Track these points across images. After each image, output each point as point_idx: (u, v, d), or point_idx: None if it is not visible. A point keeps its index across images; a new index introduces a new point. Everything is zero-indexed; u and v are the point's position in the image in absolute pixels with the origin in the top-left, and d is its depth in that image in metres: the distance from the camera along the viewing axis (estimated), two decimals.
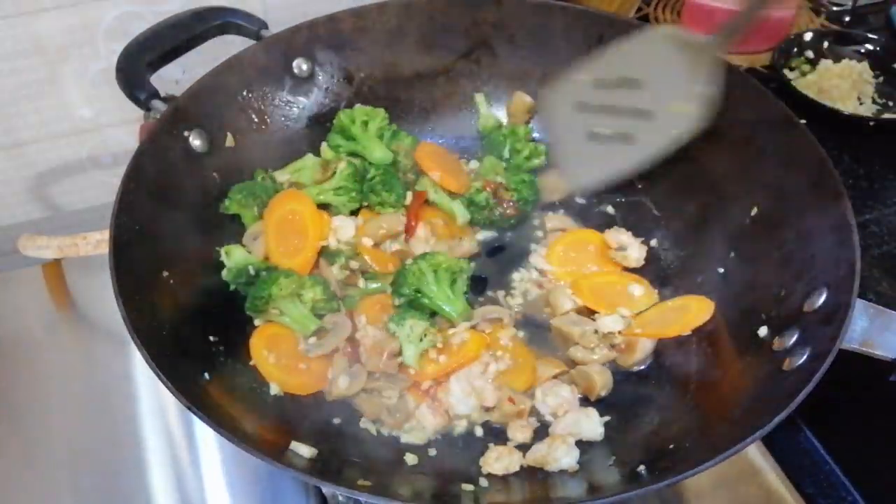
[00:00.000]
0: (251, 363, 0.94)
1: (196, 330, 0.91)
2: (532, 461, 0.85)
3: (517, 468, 0.85)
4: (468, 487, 0.82)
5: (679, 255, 1.07)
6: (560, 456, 0.84)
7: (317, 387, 0.93)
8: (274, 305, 0.95)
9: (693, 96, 0.95)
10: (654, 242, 1.09)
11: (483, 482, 0.83)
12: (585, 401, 0.93)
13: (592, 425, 0.89)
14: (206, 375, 0.85)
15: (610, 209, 1.14)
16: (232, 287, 0.99)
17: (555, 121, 1.06)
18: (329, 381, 0.92)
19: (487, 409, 0.92)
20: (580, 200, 1.15)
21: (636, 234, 1.09)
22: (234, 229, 1.04)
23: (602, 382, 0.92)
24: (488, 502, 0.82)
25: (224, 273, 0.99)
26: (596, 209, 1.14)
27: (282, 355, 0.94)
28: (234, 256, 0.99)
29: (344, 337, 0.95)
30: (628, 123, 0.99)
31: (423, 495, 0.80)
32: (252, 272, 0.98)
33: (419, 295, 0.96)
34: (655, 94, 0.98)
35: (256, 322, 0.98)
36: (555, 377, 0.94)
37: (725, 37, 0.94)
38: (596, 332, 0.96)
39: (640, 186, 1.12)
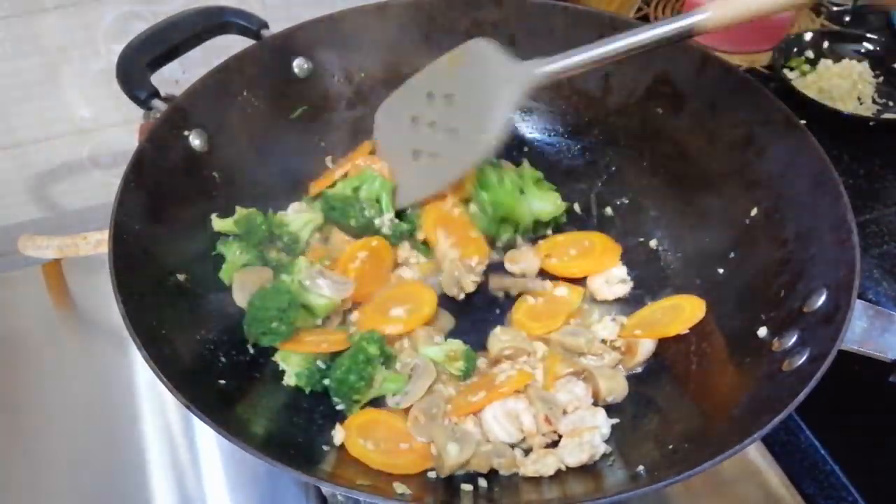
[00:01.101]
0: (250, 359, 0.94)
1: (196, 330, 0.91)
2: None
3: (552, 472, 0.83)
4: (467, 487, 0.82)
5: (679, 255, 1.07)
6: (567, 454, 0.83)
7: (424, 464, 0.84)
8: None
9: (492, 121, 0.93)
10: (653, 243, 1.09)
11: (482, 482, 0.83)
12: None
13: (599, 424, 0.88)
14: (206, 375, 0.86)
15: (609, 211, 1.14)
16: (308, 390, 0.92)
17: (387, 133, 1.07)
18: (436, 456, 0.84)
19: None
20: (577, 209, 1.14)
21: (636, 235, 1.09)
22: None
23: (608, 388, 0.91)
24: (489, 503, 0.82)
25: (293, 380, 0.91)
26: (595, 212, 1.14)
27: (380, 440, 0.86)
28: (293, 363, 0.91)
29: (430, 381, 0.90)
30: (440, 141, 0.99)
31: (423, 495, 0.80)
32: (322, 366, 0.91)
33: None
34: (465, 112, 0.97)
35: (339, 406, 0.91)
36: (572, 373, 0.93)
37: (546, 69, 0.91)
38: (602, 340, 0.96)
39: (639, 187, 1.12)
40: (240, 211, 1.01)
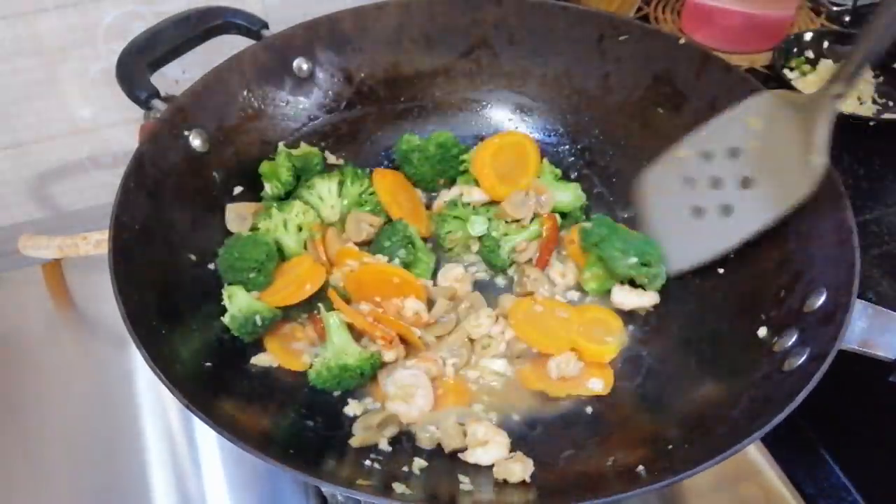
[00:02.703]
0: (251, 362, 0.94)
1: (196, 330, 0.91)
2: None
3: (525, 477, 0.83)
4: (466, 487, 0.82)
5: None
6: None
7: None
8: None
9: (803, 163, 0.88)
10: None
11: (465, 482, 0.83)
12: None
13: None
14: (207, 375, 0.86)
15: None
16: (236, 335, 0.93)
17: (656, 199, 1.03)
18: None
19: None
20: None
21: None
22: None
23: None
24: (483, 502, 0.81)
25: (227, 319, 0.93)
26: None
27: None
28: (236, 301, 0.93)
29: None
30: (730, 194, 0.96)
31: (423, 496, 0.80)
32: (259, 322, 0.92)
33: None
34: (760, 161, 0.94)
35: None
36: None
37: (837, 87, 0.86)
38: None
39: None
40: (304, 146, 1.08)
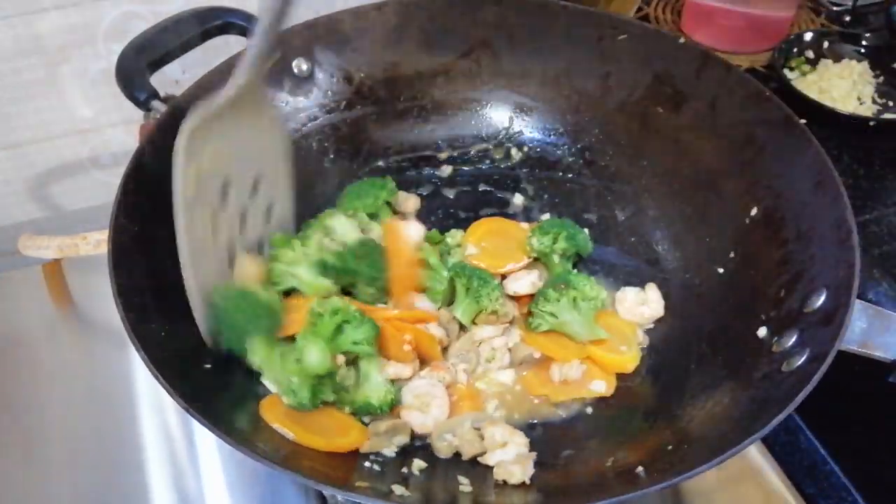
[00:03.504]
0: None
1: (196, 331, 0.91)
2: None
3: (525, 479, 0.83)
4: (466, 489, 0.82)
5: (679, 254, 1.06)
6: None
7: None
8: None
9: None
10: (653, 242, 1.09)
11: (464, 483, 0.83)
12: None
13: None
14: (206, 377, 0.85)
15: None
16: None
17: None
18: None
19: None
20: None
21: (635, 234, 1.09)
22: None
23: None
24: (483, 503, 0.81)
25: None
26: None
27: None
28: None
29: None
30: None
31: (423, 496, 0.80)
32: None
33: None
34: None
35: None
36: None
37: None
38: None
39: (638, 187, 1.12)
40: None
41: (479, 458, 0.85)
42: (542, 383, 0.94)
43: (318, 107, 1.15)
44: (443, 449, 0.86)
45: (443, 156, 1.20)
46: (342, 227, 1.00)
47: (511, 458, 0.83)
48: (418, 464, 0.84)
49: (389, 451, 0.86)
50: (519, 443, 0.85)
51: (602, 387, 0.93)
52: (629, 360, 0.95)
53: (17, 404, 1.04)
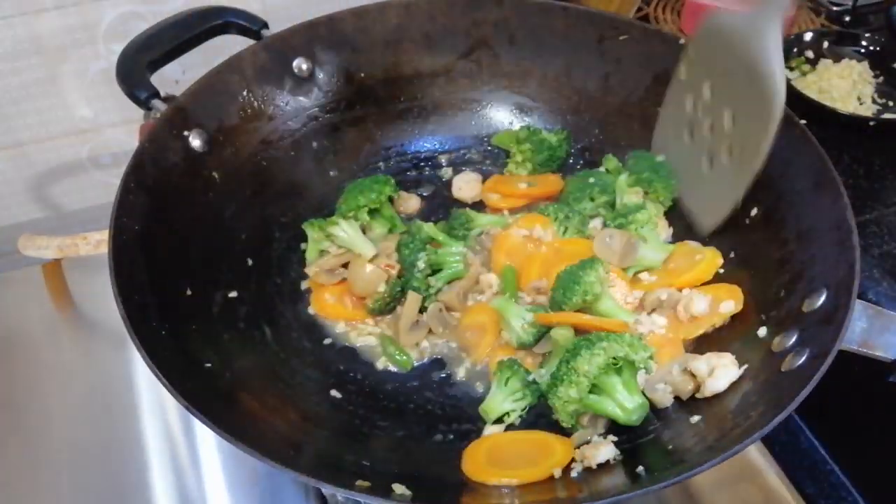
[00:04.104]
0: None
1: (196, 330, 0.91)
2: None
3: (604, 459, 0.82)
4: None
5: None
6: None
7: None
8: None
9: (761, 89, 0.86)
10: None
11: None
12: None
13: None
14: (207, 376, 0.86)
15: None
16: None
17: (675, 161, 1.03)
18: None
19: None
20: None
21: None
22: (234, 228, 1.04)
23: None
24: None
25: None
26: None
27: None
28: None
29: None
30: (726, 133, 0.94)
31: (423, 496, 0.80)
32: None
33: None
34: (732, 94, 0.92)
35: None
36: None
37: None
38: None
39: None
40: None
41: (696, 395, 0.86)
42: (676, 327, 0.94)
43: (318, 107, 1.15)
44: (660, 399, 0.86)
45: (443, 156, 1.20)
46: (344, 232, 1.01)
47: (726, 382, 0.83)
48: None
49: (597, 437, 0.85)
50: (725, 364, 0.84)
51: (731, 305, 0.92)
52: (711, 260, 0.97)
53: (17, 404, 1.04)
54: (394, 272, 0.99)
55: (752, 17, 0.89)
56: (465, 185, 1.15)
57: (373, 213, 1.06)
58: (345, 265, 1.02)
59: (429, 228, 1.03)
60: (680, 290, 0.96)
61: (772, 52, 0.86)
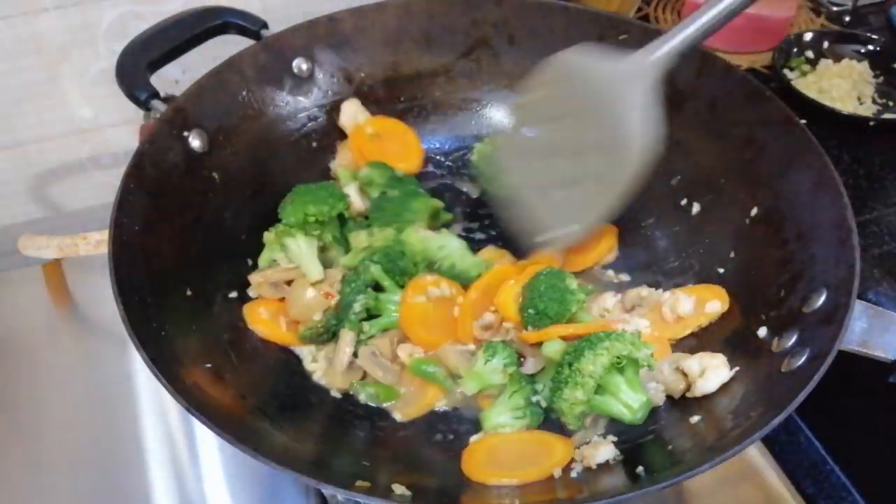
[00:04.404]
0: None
1: (196, 331, 0.91)
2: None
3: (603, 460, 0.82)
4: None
5: (679, 255, 1.06)
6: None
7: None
8: None
9: (630, 131, 0.83)
10: (653, 243, 1.09)
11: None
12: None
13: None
14: (207, 374, 0.86)
15: None
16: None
17: (508, 175, 0.98)
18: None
19: None
20: None
21: (636, 234, 1.09)
22: (233, 228, 1.04)
23: None
24: None
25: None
26: None
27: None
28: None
29: None
30: (575, 168, 0.89)
31: (423, 497, 0.80)
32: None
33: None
34: (590, 132, 0.87)
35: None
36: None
37: (659, 56, 0.82)
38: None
39: (638, 187, 1.12)
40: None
41: (687, 394, 0.86)
42: (662, 328, 0.94)
43: (318, 107, 1.15)
44: (651, 398, 0.86)
45: (443, 156, 1.20)
46: (298, 247, 0.98)
47: (716, 383, 0.84)
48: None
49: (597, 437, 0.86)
50: (717, 364, 0.85)
51: (717, 305, 0.93)
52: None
53: (17, 404, 1.04)
54: (332, 302, 0.95)
55: (622, 69, 0.84)
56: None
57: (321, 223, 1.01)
58: (289, 282, 0.98)
59: (375, 271, 0.96)
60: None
61: (634, 117, 0.82)
